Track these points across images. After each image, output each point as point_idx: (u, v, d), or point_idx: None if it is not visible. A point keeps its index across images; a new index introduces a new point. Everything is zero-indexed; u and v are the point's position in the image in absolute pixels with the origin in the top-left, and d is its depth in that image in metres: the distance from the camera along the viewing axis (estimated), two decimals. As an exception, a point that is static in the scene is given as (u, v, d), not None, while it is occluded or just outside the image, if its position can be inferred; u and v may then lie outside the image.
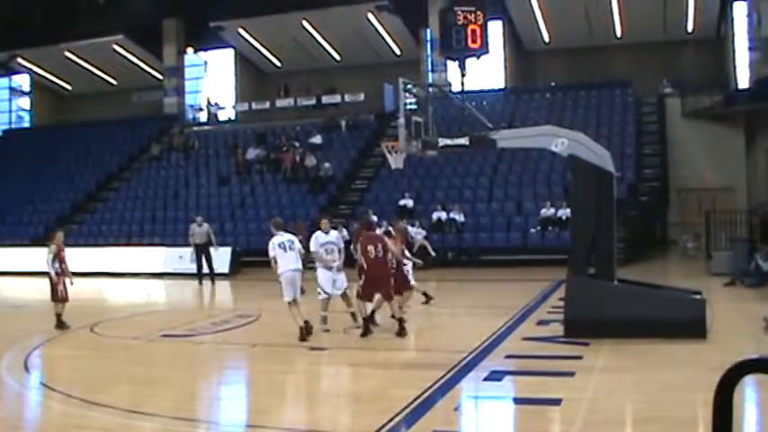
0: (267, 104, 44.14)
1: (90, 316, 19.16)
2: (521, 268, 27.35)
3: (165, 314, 20.20)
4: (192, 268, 28.37)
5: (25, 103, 55.50)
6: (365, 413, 9.52)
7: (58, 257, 18.12)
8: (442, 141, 15.29)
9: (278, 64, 47.78)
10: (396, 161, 16.50)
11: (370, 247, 14.75)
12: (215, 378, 12.86)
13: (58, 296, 17.61)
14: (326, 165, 35.76)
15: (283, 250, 15.33)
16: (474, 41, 15.61)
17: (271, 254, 15.43)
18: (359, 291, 15.19)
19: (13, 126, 54.55)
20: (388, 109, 39.06)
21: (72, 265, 29.20)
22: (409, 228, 29.23)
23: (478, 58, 16.09)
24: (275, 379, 11.92)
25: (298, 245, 15.65)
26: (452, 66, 21.37)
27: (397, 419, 8.96)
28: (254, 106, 44.49)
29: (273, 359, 13.52)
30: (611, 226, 13.93)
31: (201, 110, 48.05)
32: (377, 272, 14.70)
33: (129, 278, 29.56)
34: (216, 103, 46.75)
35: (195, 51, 47.89)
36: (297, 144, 38.36)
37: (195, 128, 45.45)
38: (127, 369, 13.19)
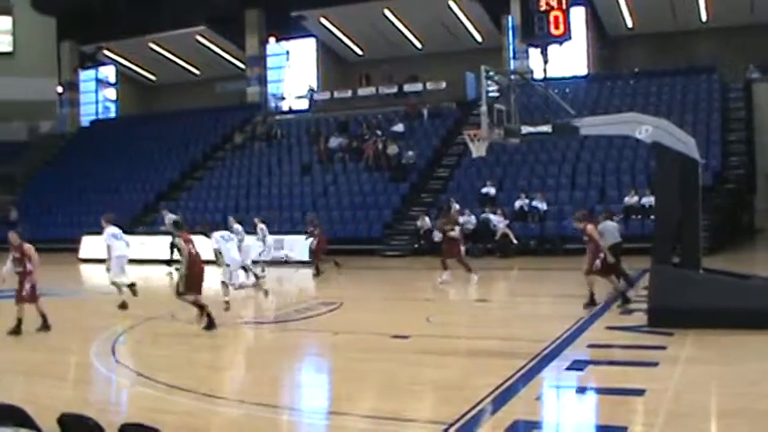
0: (349, 93, 44.27)
1: (174, 302, 19.43)
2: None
3: (249, 301, 20.37)
4: (275, 256, 28.68)
5: (111, 94, 56.53)
6: (447, 401, 9.52)
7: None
8: (525, 129, 15.20)
9: (359, 53, 47.89)
10: (478, 149, 16.42)
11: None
12: (297, 365, 12.96)
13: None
14: (409, 153, 35.74)
15: (225, 241, 18.55)
16: (557, 28, 15.48)
17: (215, 246, 18.41)
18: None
19: (100, 116, 55.60)
20: (470, 97, 38.88)
21: (157, 253, 29.86)
22: (491, 216, 29.15)
23: (561, 44, 15.96)
24: (357, 366, 11.97)
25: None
26: (535, 53, 21.25)
27: (478, 408, 8.95)
28: (336, 95, 44.65)
29: (355, 346, 13.58)
30: (696, 214, 13.71)
31: (284, 99, 48.38)
32: None
33: (212, 266, 29.89)
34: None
35: (277, 41, 48.25)
36: (379, 132, 38.38)
37: (278, 117, 45.79)
38: (210, 355, 13.39)
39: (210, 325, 15.05)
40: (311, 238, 26.30)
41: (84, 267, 32.13)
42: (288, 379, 11.91)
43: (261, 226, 26.76)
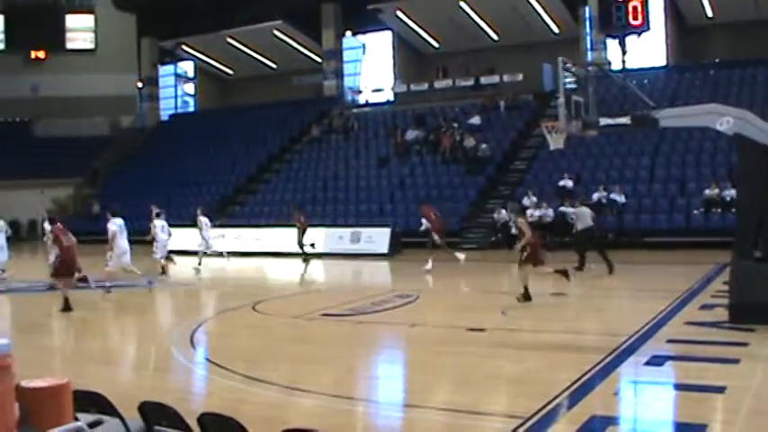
0: (425, 86, 44.22)
1: (252, 295, 19.67)
2: (683, 251, 26.65)
3: (326, 294, 20.53)
4: (352, 249, 28.91)
5: (190, 88, 57.28)
6: (523, 395, 9.48)
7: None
8: (603, 121, 15.03)
9: (436, 45, 47.78)
10: (555, 141, 16.31)
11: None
12: (373, 357, 13.02)
13: None
14: (483, 146, 35.61)
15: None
16: (635, 18, 15.27)
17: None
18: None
19: (179, 111, 56.39)
20: (547, 89, 38.59)
21: (235, 245, 30.22)
22: (568, 209, 28.90)
23: (639, 35, 15.73)
24: (433, 359, 11.98)
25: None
26: (612, 44, 21.01)
27: (555, 403, 8.90)
28: (412, 88, 44.63)
29: (431, 339, 13.59)
30: (780, 207, 13.42)
31: (360, 92, 48.54)
32: None
33: (290, 258, 30.15)
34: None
35: (353, 34, 48.39)
36: (455, 125, 38.31)
37: (354, 110, 45.95)
38: (288, 347, 13.50)
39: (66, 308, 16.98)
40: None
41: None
42: (364, 371, 11.97)
43: (202, 219, 27.90)
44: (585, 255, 22.01)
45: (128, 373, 11.65)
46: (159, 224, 25.91)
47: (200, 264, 27.06)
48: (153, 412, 6.51)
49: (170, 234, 26.11)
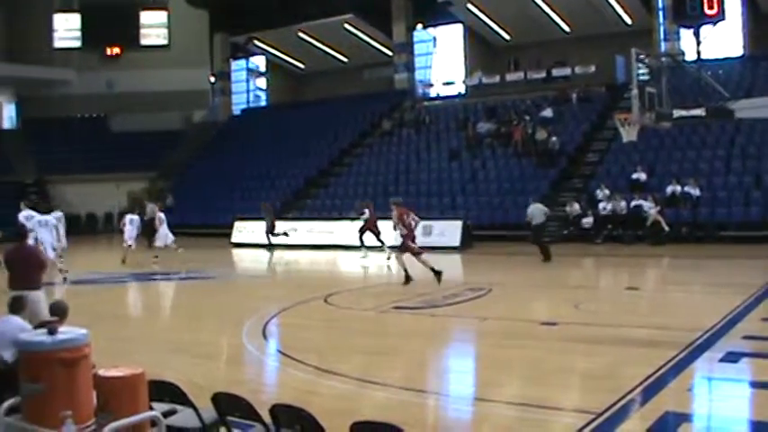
0: (497, 78, 44.00)
1: (324, 287, 19.78)
2: (760, 245, 26.13)
3: (397, 287, 20.56)
4: (423, 242, 28.90)
5: (262, 82, 57.75)
6: (595, 391, 9.41)
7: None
8: (677, 113, 14.90)
9: (507, 38, 47.50)
10: (628, 133, 16.22)
11: None
12: (445, 350, 13.02)
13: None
14: (553, 139, 35.32)
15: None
16: (710, 7, 15.07)
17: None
18: None
19: (251, 105, 56.90)
20: (620, 80, 38.15)
21: (307, 238, 30.45)
22: (642, 202, 28.58)
23: (714, 24, 15.53)
24: (504, 353, 11.94)
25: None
26: (686, 34, 20.72)
27: (627, 398, 8.82)
28: (483, 80, 44.44)
29: (503, 333, 13.54)
30: None
31: (432, 85, 48.48)
32: None
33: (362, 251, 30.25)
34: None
35: (424, 27, 48.32)
36: (527, 118, 38.08)
37: (426, 103, 45.91)
38: (359, 339, 13.56)
39: None
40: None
41: (236, 252, 32.95)
42: (435, 364, 11.98)
43: (159, 215, 28.64)
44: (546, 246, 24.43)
45: (201, 364, 11.79)
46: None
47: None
48: (226, 403, 6.61)
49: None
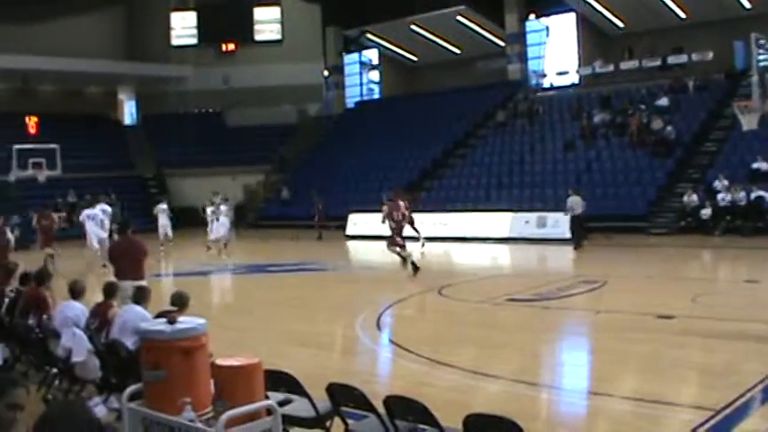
0: (611, 67, 43.32)
1: (438, 279, 19.84)
2: None
3: (511, 279, 20.46)
4: (538, 234, 28.83)
5: (375, 75, 58.00)
6: (712, 387, 9.24)
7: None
8: (799, 100, 14.43)
9: (621, 25, 46.68)
10: (748, 122, 15.82)
11: None
12: (558, 343, 12.94)
13: None
14: (669, 128, 34.60)
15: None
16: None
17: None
18: None
19: (364, 98, 57.21)
20: (739, 67, 37.12)
21: (421, 230, 30.49)
22: (763, 193, 27.84)
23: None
24: (619, 346, 11.79)
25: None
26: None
27: (747, 396, 8.63)
28: (597, 70, 43.82)
29: (618, 326, 13.36)
30: None
31: (545, 75, 48.02)
32: None
33: (476, 243, 30.20)
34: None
35: (537, 17, 47.87)
36: (642, 107, 37.41)
37: (539, 93, 45.52)
38: (473, 331, 13.57)
39: None
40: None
41: (351, 244, 33.22)
42: (549, 357, 11.92)
43: (105, 208, 28.15)
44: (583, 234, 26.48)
45: (316, 355, 11.96)
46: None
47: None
48: (340, 393, 6.69)
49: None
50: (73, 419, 3.58)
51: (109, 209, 27.72)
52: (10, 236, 23.17)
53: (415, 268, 20.72)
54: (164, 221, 31.39)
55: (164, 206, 32.09)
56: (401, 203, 22.32)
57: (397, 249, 21.53)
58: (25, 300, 11.29)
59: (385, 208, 22.90)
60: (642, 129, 35.53)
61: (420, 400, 6.00)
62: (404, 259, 21.41)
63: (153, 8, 51.52)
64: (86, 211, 27.08)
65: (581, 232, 27.03)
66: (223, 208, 30.38)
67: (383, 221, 22.88)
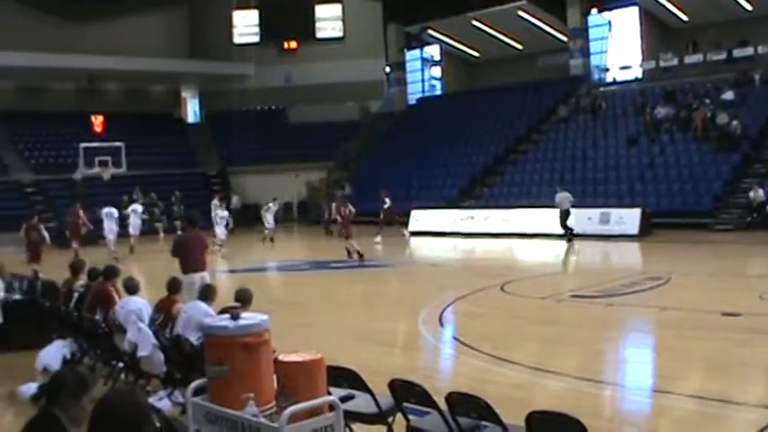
0: (675, 61, 42.79)
1: (500, 275, 19.78)
2: None
3: (574, 275, 20.33)
4: (601, 230, 28.73)
5: (437, 71, 57.88)
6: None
7: None
8: None
9: (684, 18, 46.08)
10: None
11: None
12: (622, 340, 12.84)
13: None
14: (735, 122, 34.07)
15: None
16: None
17: None
18: None
19: (426, 94, 57.14)
20: (808, 59, 36.49)
21: (484, 226, 30.56)
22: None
23: None
24: (684, 344, 11.67)
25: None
26: None
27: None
28: (661, 64, 43.31)
29: (683, 324, 13.23)
30: None
31: (608, 70, 47.56)
32: None
33: (538, 239, 30.05)
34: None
35: (599, 11, 47.43)
36: (707, 101, 36.90)
37: (602, 88, 45.10)
38: (535, 328, 13.52)
39: None
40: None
41: (413, 240, 33.21)
42: (612, 354, 11.83)
43: (136, 208, 32.06)
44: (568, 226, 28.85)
45: (378, 351, 12.00)
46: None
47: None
48: (402, 389, 6.72)
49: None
50: (126, 404, 3.76)
51: (140, 208, 31.55)
52: (45, 233, 23.92)
53: (361, 256, 24.97)
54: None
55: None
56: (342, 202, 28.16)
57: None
58: (92, 295, 11.51)
59: (335, 205, 29.69)
60: (707, 123, 35.04)
61: (482, 396, 6.00)
62: (358, 253, 25.16)
63: (215, 7, 52.01)
64: (105, 210, 29.82)
65: (569, 227, 28.98)
66: (271, 206, 33.78)
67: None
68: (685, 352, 11.23)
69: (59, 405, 4.23)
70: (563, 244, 27.89)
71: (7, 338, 12.92)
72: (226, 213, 31.33)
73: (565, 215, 29.08)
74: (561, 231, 29.05)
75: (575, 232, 28.74)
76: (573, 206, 30.01)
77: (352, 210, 26.94)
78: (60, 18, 46.06)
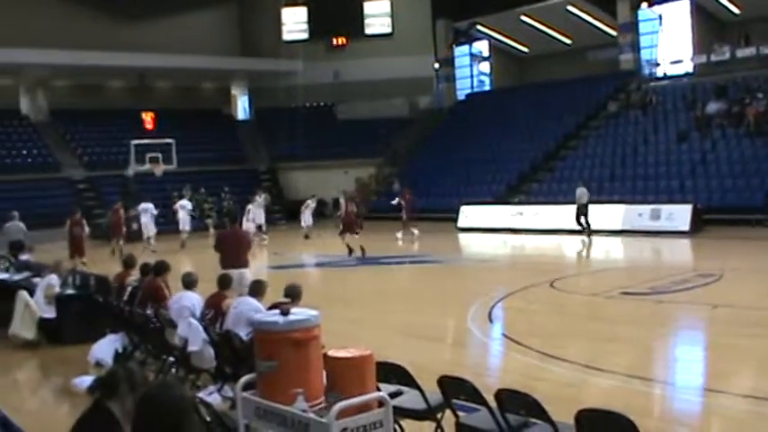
0: (727, 55, 42.29)
1: (550, 272, 19.70)
2: None
3: (625, 272, 20.17)
4: (651, 226, 28.51)
5: (485, 67, 57.72)
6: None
7: None
8: None
9: (736, 12, 45.52)
10: None
11: None
12: (673, 338, 12.73)
13: None
14: (782, 117, 33.62)
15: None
16: None
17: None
18: None
19: (475, 90, 57.00)
20: None
21: (533, 222, 30.45)
22: None
23: None
24: (737, 342, 11.54)
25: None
26: None
27: None
28: (712, 58, 42.82)
29: (736, 321, 13.09)
30: None
31: (658, 65, 47.12)
32: None
33: (588, 235, 29.87)
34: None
35: (649, 5, 46.98)
36: (760, 96, 36.44)
37: (652, 83, 44.69)
38: (585, 325, 13.45)
39: None
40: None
41: (462, 236, 33.16)
42: (663, 352, 11.74)
43: (185, 203, 33.30)
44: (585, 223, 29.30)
45: (427, 347, 12.00)
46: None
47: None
48: (451, 386, 6.72)
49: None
50: (167, 397, 3.86)
51: (188, 204, 33.19)
52: (86, 228, 25.51)
53: (361, 251, 25.21)
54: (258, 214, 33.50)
55: (260, 199, 34.29)
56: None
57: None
58: (144, 290, 11.66)
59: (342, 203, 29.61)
60: (760, 118, 34.60)
61: (531, 394, 5.99)
62: (351, 250, 25.46)
63: (264, 4, 52.36)
64: (141, 205, 31.33)
65: (588, 222, 29.37)
66: (310, 203, 35.72)
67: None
68: (738, 350, 11.11)
69: (114, 399, 4.34)
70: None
71: (61, 332, 13.16)
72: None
73: (583, 210, 29.44)
74: (578, 227, 29.58)
75: (592, 228, 29.19)
76: (623, 202, 29.82)
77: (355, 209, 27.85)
78: (112, 17, 46.55)
